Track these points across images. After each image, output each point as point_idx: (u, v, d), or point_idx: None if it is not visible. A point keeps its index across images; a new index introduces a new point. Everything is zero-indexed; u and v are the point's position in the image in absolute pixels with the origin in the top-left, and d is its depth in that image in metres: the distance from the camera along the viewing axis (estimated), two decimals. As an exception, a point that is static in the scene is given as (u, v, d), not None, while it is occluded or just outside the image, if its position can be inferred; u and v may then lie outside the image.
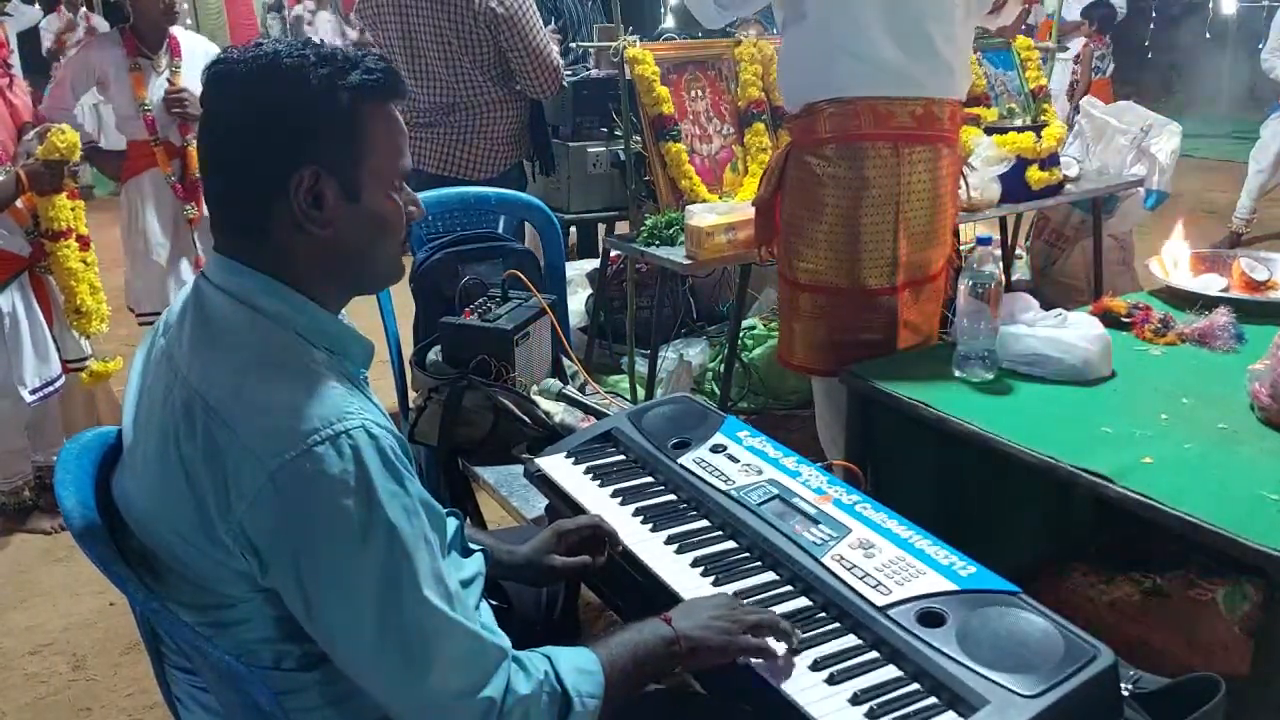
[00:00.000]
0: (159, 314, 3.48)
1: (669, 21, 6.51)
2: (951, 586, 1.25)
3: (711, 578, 1.36)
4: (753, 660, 1.20)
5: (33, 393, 2.93)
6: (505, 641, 1.09)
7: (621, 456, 1.68)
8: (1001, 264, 3.97)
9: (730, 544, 1.44)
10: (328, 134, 1.06)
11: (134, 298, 3.39)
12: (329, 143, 1.06)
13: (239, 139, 1.07)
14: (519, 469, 1.83)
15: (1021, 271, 4.57)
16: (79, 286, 2.93)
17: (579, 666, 1.12)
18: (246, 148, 1.07)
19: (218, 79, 1.08)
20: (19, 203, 2.82)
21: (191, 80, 3.24)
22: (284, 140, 1.05)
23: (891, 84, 2.07)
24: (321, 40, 1.12)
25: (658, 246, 2.96)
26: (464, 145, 3.25)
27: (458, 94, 3.19)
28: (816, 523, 1.40)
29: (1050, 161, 3.41)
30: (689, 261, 2.82)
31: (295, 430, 1.00)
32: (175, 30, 3.27)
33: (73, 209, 2.90)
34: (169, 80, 3.21)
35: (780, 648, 1.20)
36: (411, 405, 2.27)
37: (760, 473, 1.54)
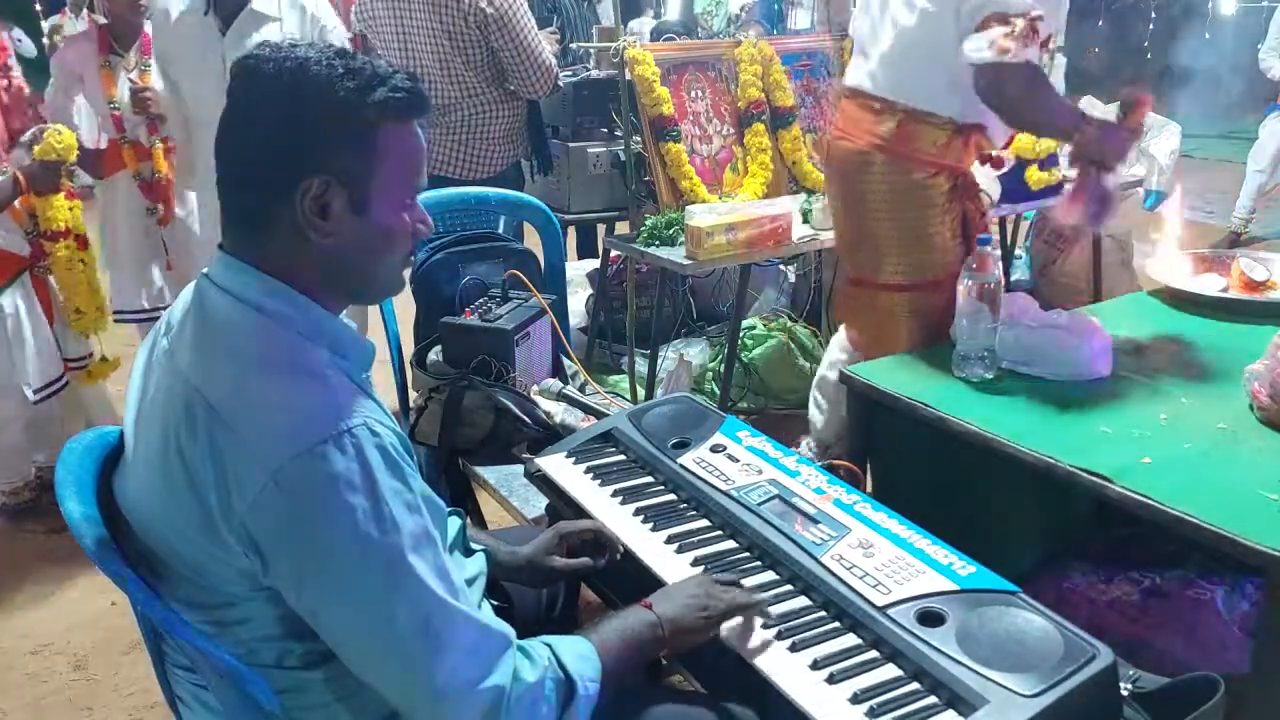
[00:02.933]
0: (133, 312, 3.44)
1: (670, 15, 6.48)
2: (951, 586, 1.25)
3: (711, 577, 1.36)
4: (756, 662, 1.20)
5: (36, 392, 2.92)
6: (509, 631, 1.10)
7: (621, 456, 1.68)
8: (1001, 264, 3.98)
9: (730, 544, 1.44)
10: (345, 147, 1.07)
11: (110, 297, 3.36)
12: (344, 155, 1.07)
13: (255, 137, 1.07)
14: (519, 469, 1.83)
15: (1021, 271, 4.57)
16: (77, 287, 2.93)
17: (578, 652, 1.13)
18: (261, 147, 1.07)
19: (244, 74, 1.08)
20: (17, 203, 2.82)
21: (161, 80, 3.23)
22: (299, 146, 1.06)
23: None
24: (357, 51, 1.13)
25: (658, 246, 2.96)
26: (460, 145, 3.26)
27: (452, 95, 3.19)
28: (816, 522, 1.40)
29: (1050, 162, 3.41)
30: (689, 261, 2.82)
31: (298, 429, 1.00)
32: (150, 28, 3.25)
33: (71, 209, 2.90)
34: (131, 79, 3.17)
35: (759, 627, 1.23)
36: (412, 405, 2.27)
37: (760, 472, 1.54)
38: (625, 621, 1.21)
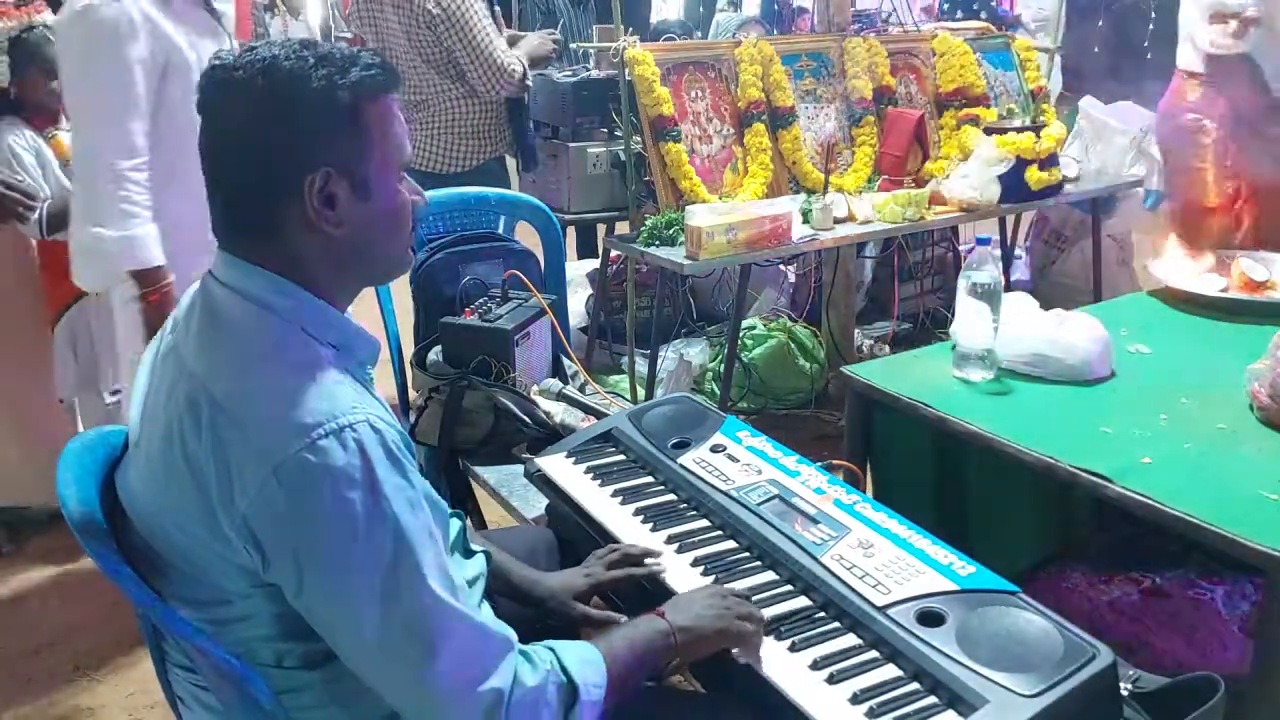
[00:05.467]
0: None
1: (670, 14, 6.49)
2: (951, 586, 1.25)
3: (711, 577, 1.36)
4: (753, 660, 1.20)
5: (113, 394, 2.90)
6: (510, 633, 1.09)
7: (621, 456, 1.68)
8: (1001, 264, 3.98)
9: (730, 544, 1.44)
10: (335, 135, 1.07)
11: None
12: (337, 143, 1.07)
13: (246, 145, 1.07)
14: (519, 469, 1.83)
15: (1021, 271, 4.57)
16: None
17: (583, 658, 1.13)
18: (255, 153, 1.06)
19: (217, 85, 1.07)
20: None
21: None
22: (293, 145, 1.05)
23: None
24: (323, 40, 1.12)
25: (658, 246, 2.96)
26: (434, 140, 3.31)
27: (422, 91, 3.26)
28: (816, 522, 1.40)
29: (1049, 162, 3.41)
30: (689, 261, 2.82)
31: (299, 424, 1.00)
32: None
33: None
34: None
35: (772, 641, 1.21)
36: (412, 405, 2.27)
37: (760, 472, 1.54)
38: (635, 629, 1.20)
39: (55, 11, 2.84)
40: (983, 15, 4.70)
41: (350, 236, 1.09)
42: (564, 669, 1.10)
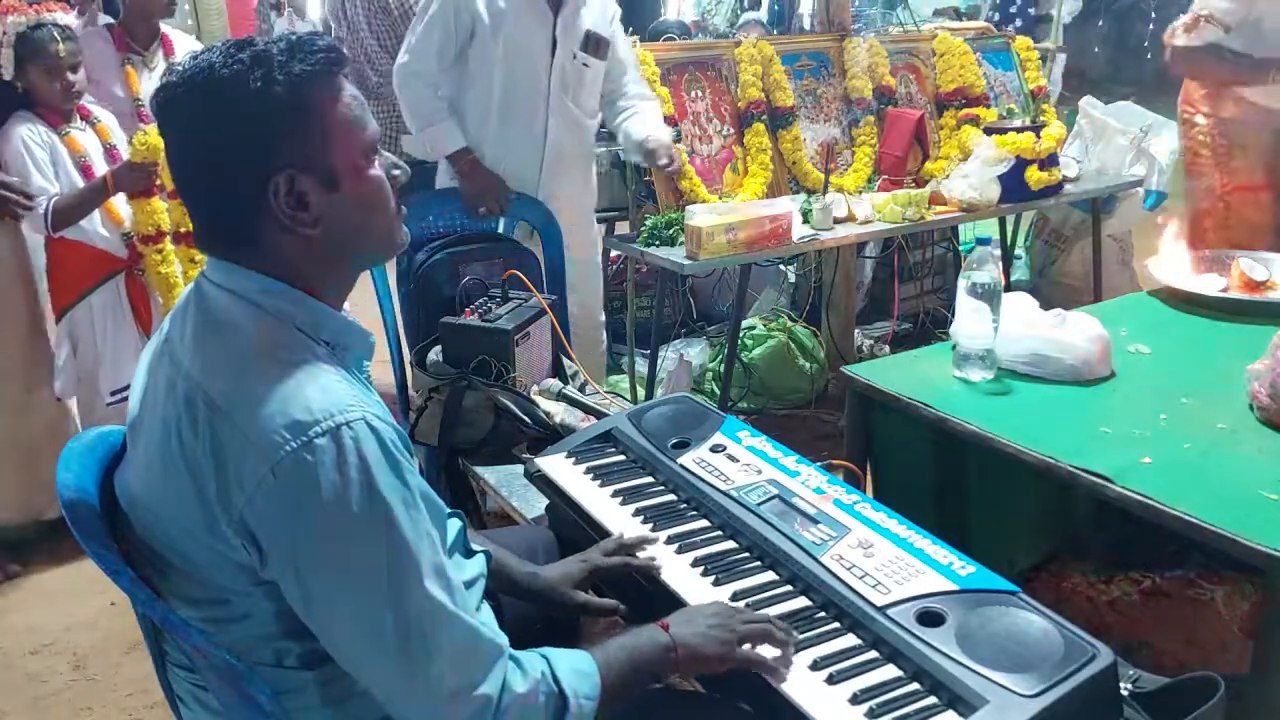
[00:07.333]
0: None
1: (670, 14, 6.50)
2: (951, 586, 1.25)
3: (711, 578, 1.36)
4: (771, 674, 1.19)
5: (112, 394, 2.90)
6: (503, 640, 1.09)
7: (621, 456, 1.68)
8: (1001, 264, 3.98)
9: (730, 544, 1.44)
10: (287, 133, 1.04)
11: None
12: (291, 141, 1.05)
13: (203, 161, 1.06)
14: (519, 469, 1.83)
15: (1021, 271, 4.58)
16: (174, 289, 2.84)
17: (576, 668, 1.12)
18: (212, 169, 1.06)
19: (164, 106, 1.07)
20: (126, 207, 2.79)
21: None
22: (247, 154, 1.04)
23: None
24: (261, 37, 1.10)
25: (658, 247, 2.96)
26: (386, 129, 3.47)
27: (381, 70, 3.49)
28: (816, 522, 1.40)
29: (1050, 162, 3.41)
30: (689, 261, 2.82)
31: (296, 422, 1.00)
32: (167, 29, 3.23)
33: (172, 210, 2.82)
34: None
35: (775, 653, 1.20)
36: (412, 406, 2.27)
37: (760, 473, 1.54)
38: (637, 640, 1.19)
39: (71, 9, 2.87)
40: (1017, 25, 4.70)
41: (330, 231, 1.08)
42: (555, 679, 1.10)
